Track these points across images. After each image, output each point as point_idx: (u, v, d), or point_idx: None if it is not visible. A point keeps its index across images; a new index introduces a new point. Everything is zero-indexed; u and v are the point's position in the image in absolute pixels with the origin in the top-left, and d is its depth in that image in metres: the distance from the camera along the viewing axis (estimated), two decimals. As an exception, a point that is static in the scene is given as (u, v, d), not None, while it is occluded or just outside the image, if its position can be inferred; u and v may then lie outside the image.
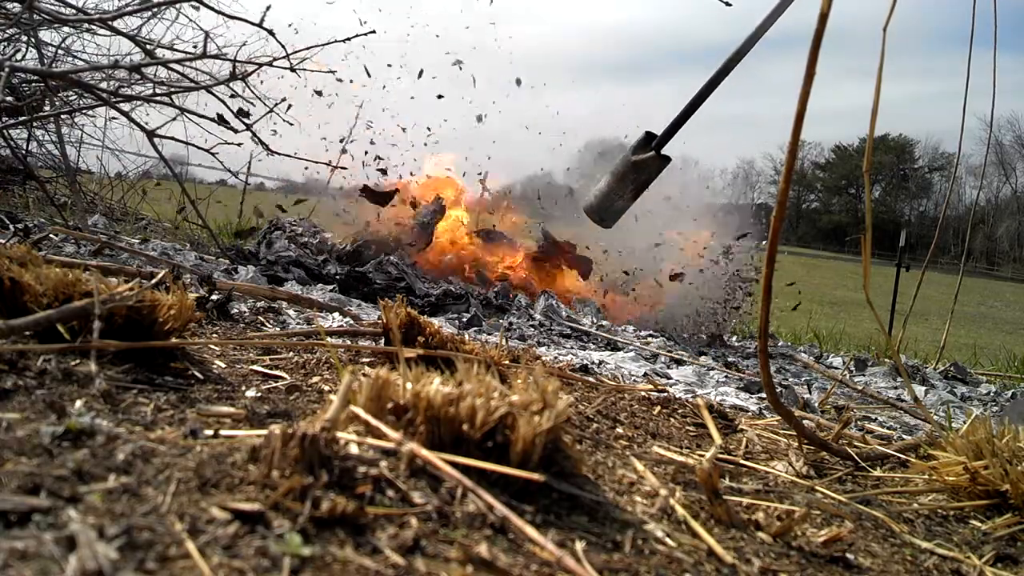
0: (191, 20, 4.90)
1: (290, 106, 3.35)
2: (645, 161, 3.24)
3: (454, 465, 0.87)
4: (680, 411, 1.77)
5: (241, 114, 2.93)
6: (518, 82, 5.03)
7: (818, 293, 16.84)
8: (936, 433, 1.71)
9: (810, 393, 2.75)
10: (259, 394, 1.30)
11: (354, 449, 0.87)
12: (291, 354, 1.66)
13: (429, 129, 5.04)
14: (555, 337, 3.26)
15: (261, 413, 1.15)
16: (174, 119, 3.39)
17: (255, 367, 1.50)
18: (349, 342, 2.00)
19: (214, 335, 1.88)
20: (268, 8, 2.88)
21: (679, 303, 4.41)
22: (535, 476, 0.89)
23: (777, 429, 1.75)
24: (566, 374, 1.96)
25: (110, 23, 3.32)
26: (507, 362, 1.79)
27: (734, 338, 4.43)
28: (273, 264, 3.71)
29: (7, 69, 2.61)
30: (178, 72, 3.34)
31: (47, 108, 3.48)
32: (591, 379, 2.06)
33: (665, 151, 3.31)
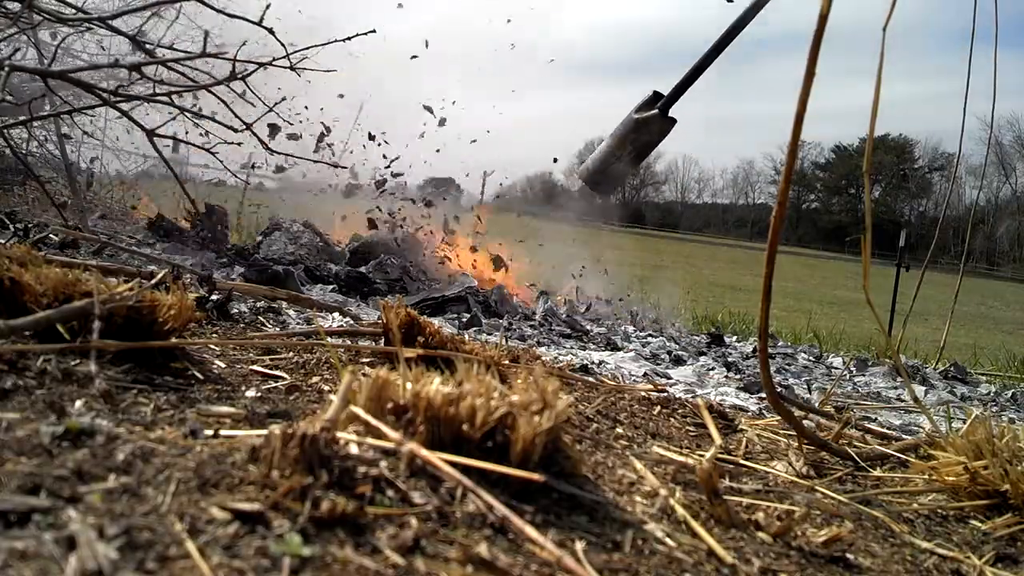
0: (190, 20, 4.90)
1: (282, 100, 3.31)
2: (647, 120, 3.03)
3: (454, 465, 0.87)
4: (680, 411, 1.77)
5: None
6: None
7: (818, 293, 16.84)
8: (936, 433, 1.71)
9: (810, 393, 2.75)
10: (259, 394, 1.30)
11: (354, 449, 0.87)
12: (291, 354, 1.66)
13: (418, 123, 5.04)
14: (555, 337, 3.26)
15: (261, 413, 1.15)
16: (174, 118, 3.39)
17: (255, 367, 1.50)
18: (349, 342, 2.00)
19: (214, 335, 1.88)
20: (268, 7, 2.88)
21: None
22: (535, 476, 0.89)
23: (777, 429, 1.75)
24: (566, 374, 1.96)
25: (110, 23, 3.32)
26: (507, 362, 1.79)
27: (734, 338, 4.44)
28: (273, 263, 3.71)
29: (7, 69, 2.61)
30: (178, 72, 3.34)
31: (47, 108, 3.48)
32: (591, 379, 2.06)
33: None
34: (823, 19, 1.21)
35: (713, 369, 2.96)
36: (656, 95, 3.06)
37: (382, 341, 1.92)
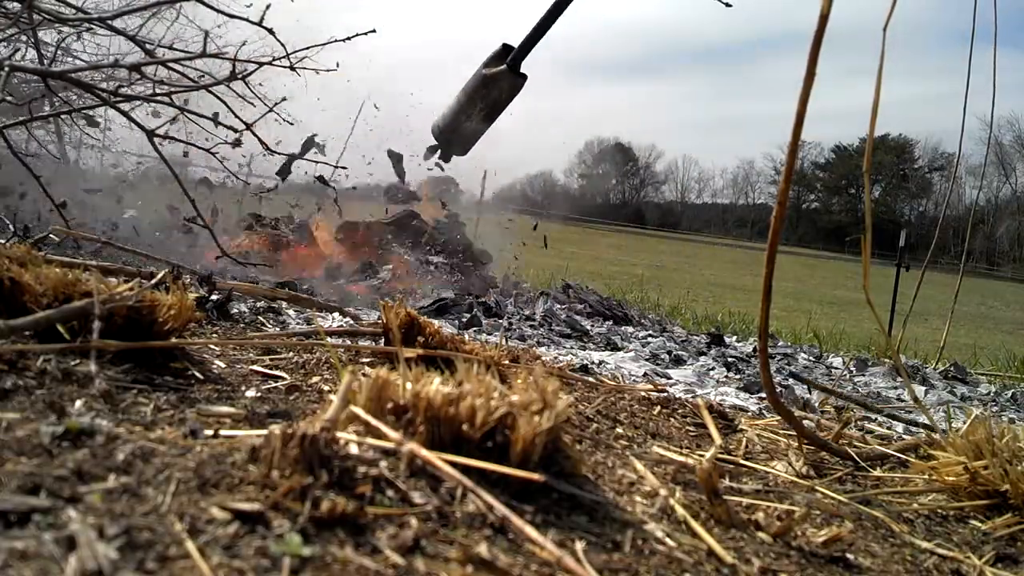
0: (190, 20, 4.91)
1: (283, 99, 3.30)
2: (495, 76, 2.75)
3: (454, 465, 0.87)
4: (680, 411, 1.77)
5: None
6: None
7: (818, 293, 16.84)
8: (936, 433, 1.71)
9: (810, 393, 2.75)
10: (259, 394, 1.30)
11: (354, 449, 0.87)
12: (291, 354, 1.66)
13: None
14: (555, 337, 3.26)
15: (261, 413, 1.15)
16: (174, 119, 3.38)
17: (255, 367, 1.50)
18: (349, 342, 2.00)
19: (214, 335, 1.88)
20: (268, 7, 2.88)
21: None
22: (535, 476, 0.89)
23: (777, 429, 1.75)
24: (566, 374, 1.96)
25: (110, 23, 3.32)
26: (507, 362, 1.79)
27: (734, 338, 4.43)
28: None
29: (7, 69, 2.61)
30: (178, 72, 3.34)
31: (47, 108, 3.48)
32: (591, 379, 2.06)
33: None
34: (823, 19, 1.21)
35: (713, 369, 2.96)
36: (505, 48, 2.79)
37: (382, 341, 1.92)
